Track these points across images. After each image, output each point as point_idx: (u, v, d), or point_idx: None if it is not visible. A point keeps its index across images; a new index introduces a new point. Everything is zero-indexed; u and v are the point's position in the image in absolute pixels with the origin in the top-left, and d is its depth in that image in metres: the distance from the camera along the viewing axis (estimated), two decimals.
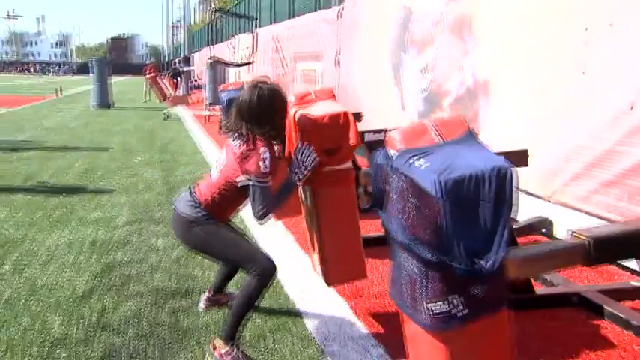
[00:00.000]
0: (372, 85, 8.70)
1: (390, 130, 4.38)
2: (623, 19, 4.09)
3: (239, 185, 2.66)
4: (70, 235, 4.56)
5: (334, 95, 2.85)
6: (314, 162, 2.59)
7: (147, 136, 11.23)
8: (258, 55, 15.52)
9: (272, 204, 2.61)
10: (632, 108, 4.03)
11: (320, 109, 2.67)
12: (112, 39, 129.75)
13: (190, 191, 2.80)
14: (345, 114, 2.62)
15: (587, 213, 4.39)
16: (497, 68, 5.49)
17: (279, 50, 14.08)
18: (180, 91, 19.84)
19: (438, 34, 6.62)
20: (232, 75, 19.91)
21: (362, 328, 3.05)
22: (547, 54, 4.78)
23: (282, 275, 3.66)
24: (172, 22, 59.12)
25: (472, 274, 1.35)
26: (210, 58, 14.78)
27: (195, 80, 25.04)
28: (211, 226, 2.72)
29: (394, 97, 7.84)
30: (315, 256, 2.95)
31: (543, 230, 4.69)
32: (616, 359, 2.76)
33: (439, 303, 1.45)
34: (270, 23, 15.21)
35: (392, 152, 1.55)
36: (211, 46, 15.39)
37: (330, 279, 2.93)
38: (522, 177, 2.90)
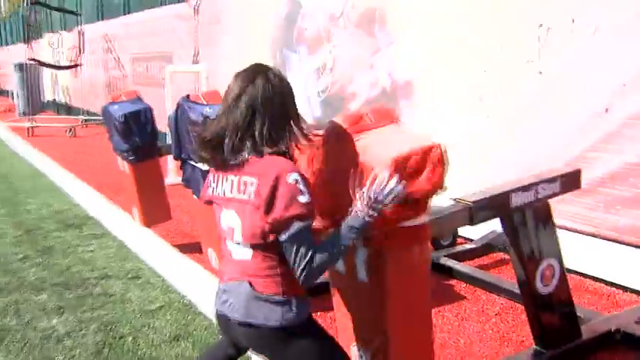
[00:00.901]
0: None
1: None
2: (589, 15, 3.74)
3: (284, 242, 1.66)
4: None
5: (397, 118, 2.00)
6: (399, 191, 1.69)
7: None
8: (85, 56, 13.58)
9: (328, 256, 1.65)
10: (607, 111, 3.71)
11: (394, 141, 1.82)
12: None
13: (250, 286, 1.72)
14: (438, 149, 1.80)
15: None
16: (423, 68, 4.94)
17: (113, 51, 12.42)
18: None
19: (337, 29, 5.94)
20: (48, 78, 17.47)
21: None
22: (492, 52, 4.32)
23: None
24: None
25: None
26: (30, 59, 12.56)
27: None
28: (312, 328, 1.79)
29: None
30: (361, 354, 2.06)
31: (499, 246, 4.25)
32: None
33: None
34: (98, 20, 13.36)
35: None
36: (28, 45, 13.06)
37: None
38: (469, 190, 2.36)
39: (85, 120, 13.09)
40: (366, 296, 1.96)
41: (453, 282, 3.67)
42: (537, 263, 2.49)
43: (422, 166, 1.76)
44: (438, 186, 1.80)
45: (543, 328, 2.58)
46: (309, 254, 1.61)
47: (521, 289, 2.55)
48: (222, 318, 1.79)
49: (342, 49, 5.93)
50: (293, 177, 1.62)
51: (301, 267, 1.62)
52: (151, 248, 4.22)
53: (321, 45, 6.21)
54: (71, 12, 13.25)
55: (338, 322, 2.18)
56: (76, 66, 13.07)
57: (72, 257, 4.15)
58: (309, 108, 6.51)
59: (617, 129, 3.67)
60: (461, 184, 2.37)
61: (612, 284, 3.64)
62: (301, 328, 1.72)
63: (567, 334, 2.64)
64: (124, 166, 4.11)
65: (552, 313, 2.59)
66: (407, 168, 1.73)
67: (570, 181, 2.54)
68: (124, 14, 11.97)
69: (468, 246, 4.25)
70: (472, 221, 2.22)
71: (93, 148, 9.67)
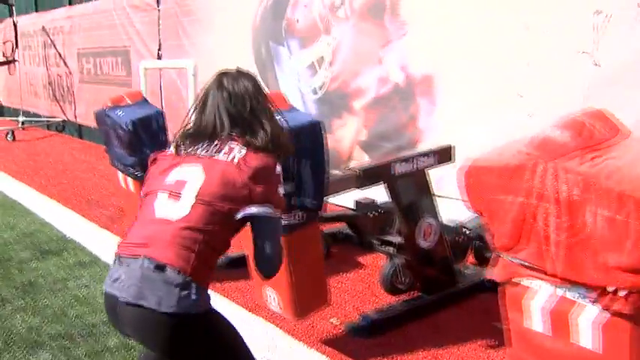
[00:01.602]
0: None
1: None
2: None
3: (238, 219, 1.66)
4: None
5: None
6: None
7: None
8: (20, 52, 12.37)
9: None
10: None
11: None
12: None
13: (148, 260, 1.55)
14: None
15: None
16: (447, 60, 4.46)
17: (54, 46, 11.36)
18: None
19: (337, 20, 5.39)
20: None
21: None
22: (535, 41, 3.89)
23: None
24: None
25: None
26: None
27: None
28: (216, 321, 1.69)
29: None
30: None
31: None
32: None
33: None
34: (35, 11, 12.18)
35: None
36: None
37: None
38: None
39: (23, 122, 11.93)
40: None
41: None
42: None
43: None
44: None
45: None
46: (275, 244, 1.68)
47: None
48: (110, 299, 1.61)
49: (344, 42, 5.38)
50: (279, 169, 1.72)
51: (267, 256, 1.68)
52: None
53: (318, 37, 5.63)
54: (3, 2, 11.97)
55: None
56: (10, 62, 11.86)
57: (63, 295, 3.40)
58: (302, 106, 5.93)
59: None
60: None
61: None
62: (198, 319, 1.58)
63: None
64: (126, 182, 3.40)
65: None
66: None
67: None
68: (66, 5, 10.95)
69: None
70: None
71: (41, 155, 8.69)
